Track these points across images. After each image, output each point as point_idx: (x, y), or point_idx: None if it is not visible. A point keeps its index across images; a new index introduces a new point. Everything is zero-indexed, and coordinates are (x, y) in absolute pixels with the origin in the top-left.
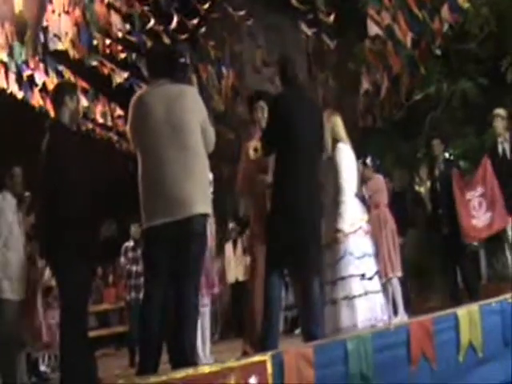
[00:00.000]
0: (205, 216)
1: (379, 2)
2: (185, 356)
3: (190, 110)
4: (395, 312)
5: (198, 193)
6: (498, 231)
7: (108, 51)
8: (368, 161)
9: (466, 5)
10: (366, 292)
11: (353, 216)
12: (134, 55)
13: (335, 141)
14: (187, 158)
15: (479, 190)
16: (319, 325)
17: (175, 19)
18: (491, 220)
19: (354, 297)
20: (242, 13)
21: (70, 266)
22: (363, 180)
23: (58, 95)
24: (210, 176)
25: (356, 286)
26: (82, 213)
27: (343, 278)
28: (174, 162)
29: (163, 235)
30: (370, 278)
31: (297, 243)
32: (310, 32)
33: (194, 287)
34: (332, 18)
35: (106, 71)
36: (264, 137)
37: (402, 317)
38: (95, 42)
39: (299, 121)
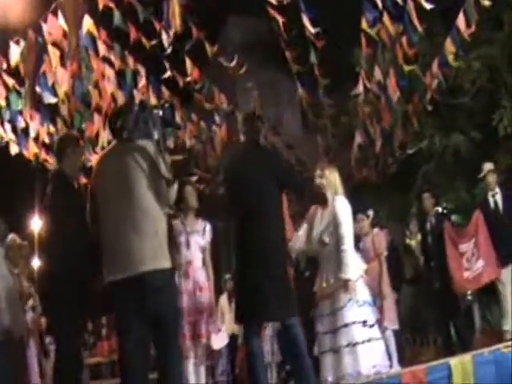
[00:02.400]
0: (162, 271)
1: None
2: None
3: (140, 168)
4: (389, 364)
5: (150, 250)
6: (489, 282)
7: (99, 106)
8: (370, 213)
9: (453, 58)
10: (368, 339)
11: (354, 265)
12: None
13: (333, 194)
14: (136, 218)
15: (472, 241)
16: (308, 366)
17: (168, 72)
18: (482, 271)
19: (357, 343)
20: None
21: (63, 319)
22: (362, 233)
23: (61, 147)
24: (207, 228)
25: (359, 333)
26: (76, 266)
27: (346, 325)
28: (124, 221)
29: (123, 290)
30: (372, 326)
31: (260, 297)
32: (303, 93)
33: (170, 341)
34: (326, 80)
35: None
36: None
37: (396, 369)
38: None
39: (245, 182)
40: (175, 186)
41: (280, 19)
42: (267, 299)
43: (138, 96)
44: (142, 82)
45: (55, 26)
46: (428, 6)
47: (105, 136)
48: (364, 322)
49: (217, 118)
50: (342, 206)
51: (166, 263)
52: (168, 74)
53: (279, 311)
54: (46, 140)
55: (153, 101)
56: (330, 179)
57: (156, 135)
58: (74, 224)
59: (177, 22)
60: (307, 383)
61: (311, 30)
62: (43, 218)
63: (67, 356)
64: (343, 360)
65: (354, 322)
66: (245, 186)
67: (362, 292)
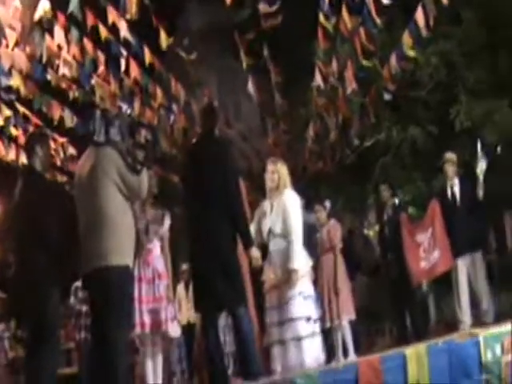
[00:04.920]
0: (117, 267)
1: (328, 53)
2: None
3: (102, 172)
4: (345, 354)
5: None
6: (444, 273)
7: (59, 89)
8: (327, 204)
9: (412, 53)
10: (312, 333)
11: (302, 260)
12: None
13: (281, 186)
14: (96, 223)
15: (429, 231)
16: (254, 356)
17: (123, 64)
18: (438, 261)
19: (302, 338)
20: (193, 57)
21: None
22: (319, 224)
23: (30, 144)
24: (166, 216)
25: (304, 328)
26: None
27: (292, 320)
28: (87, 224)
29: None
30: (315, 321)
31: (212, 285)
32: (255, 89)
33: (113, 330)
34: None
35: (57, 113)
36: None
37: (352, 359)
38: (48, 78)
39: (197, 173)
40: (144, 175)
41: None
42: (216, 290)
43: (96, 82)
44: (101, 68)
45: (11, 7)
46: (386, 1)
47: (69, 121)
48: (308, 318)
49: (174, 108)
50: (291, 199)
51: (120, 260)
52: (124, 62)
53: (227, 300)
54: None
55: (112, 88)
56: (281, 173)
57: (120, 137)
58: (48, 219)
59: (133, 9)
60: (253, 373)
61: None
62: (13, 212)
63: None
64: (289, 352)
65: (300, 317)
66: (197, 176)
67: (308, 287)
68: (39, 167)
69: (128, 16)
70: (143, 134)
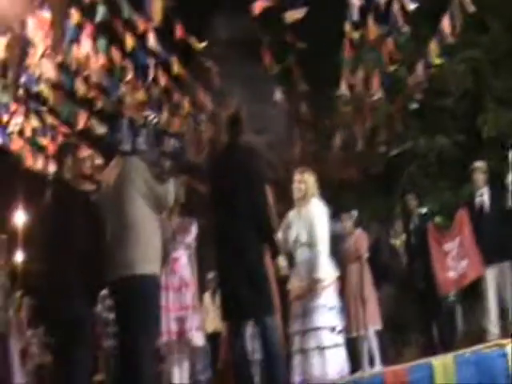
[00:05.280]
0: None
1: (354, 62)
2: None
3: (128, 182)
4: (371, 364)
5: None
6: (472, 282)
7: (87, 99)
8: (353, 213)
9: (439, 61)
10: (335, 344)
11: (328, 269)
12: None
13: (308, 196)
14: (123, 232)
15: (457, 240)
16: (280, 366)
17: (151, 73)
18: (467, 270)
19: (325, 348)
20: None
21: None
22: (345, 233)
23: (60, 154)
24: (193, 225)
25: (328, 338)
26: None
27: (315, 329)
28: (113, 233)
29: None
30: (339, 332)
31: (239, 294)
32: (281, 97)
33: (139, 338)
34: (305, 86)
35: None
36: None
37: (378, 369)
38: (75, 88)
39: (222, 183)
40: (170, 185)
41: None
42: (243, 298)
43: (126, 89)
44: (130, 75)
45: (41, 18)
46: (412, 6)
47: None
48: (332, 328)
49: (202, 117)
50: (317, 208)
51: (149, 268)
52: (152, 69)
53: (254, 309)
54: (29, 134)
55: (140, 96)
56: (308, 183)
57: (147, 147)
58: (75, 228)
59: (157, 16)
60: (277, 383)
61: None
62: (42, 221)
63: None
64: (311, 362)
65: (323, 327)
66: (222, 185)
67: (333, 297)
68: (68, 176)
69: (154, 24)
70: (171, 143)
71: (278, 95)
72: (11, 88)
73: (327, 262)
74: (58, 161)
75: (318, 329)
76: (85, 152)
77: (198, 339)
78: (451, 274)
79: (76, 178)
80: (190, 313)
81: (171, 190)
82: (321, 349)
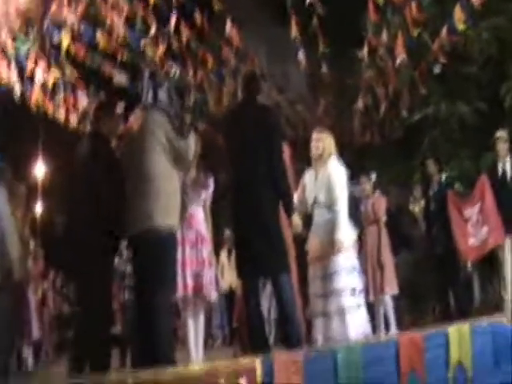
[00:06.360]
0: (158, 228)
1: (378, 25)
2: (159, 353)
3: (149, 134)
4: (387, 328)
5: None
6: (494, 247)
7: (109, 51)
8: (372, 176)
9: (461, 26)
10: (357, 305)
11: (348, 231)
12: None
13: (326, 156)
14: (143, 184)
15: (477, 206)
16: (294, 324)
17: (172, 24)
18: (487, 236)
19: (347, 310)
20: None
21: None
22: (363, 195)
23: (98, 112)
24: (209, 180)
25: (349, 300)
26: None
27: (336, 291)
28: (134, 185)
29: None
30: (360, 293)
31: (254, 251)
32: (304, 58)
33: (157, 291)
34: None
35: (106, 72)
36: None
37: (394, 334)
38: (97, 40)
39: (237, 140)
40: (191, 138)
41: None
42: (258, 255)
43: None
44: (152, 30)
45: None
46: None
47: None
48: (353, 289)
49: (224, 72)
50: (336, 169)
51: (167, 220)
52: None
53: (268, 267)
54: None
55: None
56: (326, 143)
57: (168, 100)
58: (98, 179)
59: None
60: (293, 340)
61: None
62: (76, 173)
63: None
64: (332, 324)
65: (344, 289)
66: (236, 143)
67: (353, 258)
68: (103, 132)
69: None
70: (192, 96)
71: (301, 56)
72: (34, 38)
73: (347, 224)
74: (94, 117)
75: (338, 291)
76: (119, 109)
77: (214, 295)
78: (472, 241)
79: (111, 134)
80: (206, 268)
81: (192, 144)
82: (342, 311)
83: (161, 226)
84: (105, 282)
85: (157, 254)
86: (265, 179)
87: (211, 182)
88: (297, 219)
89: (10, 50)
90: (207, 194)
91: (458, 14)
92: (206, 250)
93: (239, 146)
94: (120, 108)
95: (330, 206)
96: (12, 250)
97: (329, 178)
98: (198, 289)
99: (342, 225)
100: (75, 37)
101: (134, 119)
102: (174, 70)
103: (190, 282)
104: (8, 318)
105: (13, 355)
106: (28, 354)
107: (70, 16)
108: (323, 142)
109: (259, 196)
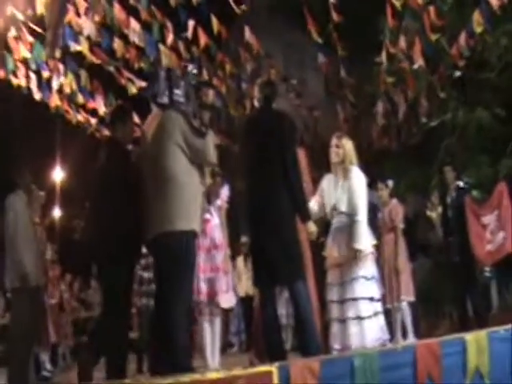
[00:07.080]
0: (178, 232)
1: (396, 29)
2: (176, 360)
3: (166, 135)
4: (404, 336)
5: (174, 212)
6: (509, 255)
7: (125, 58)
8: (389, 183)
9: (479, 29)
10: (374, 313)
11: (367, 240)
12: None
13: (347, 162)
14: (162, 186)
15: (495, 213)
16: (311, 332)
17: (190, 30)
18: (503, 241)
19: (364, 317)
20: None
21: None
22: (380, 203)
23: (112, 118)
24: (225, 186)
25: (365, 308)
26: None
27: (354, 299)
28: (152, 188)
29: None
30: (378, 301)
31: (269, 258)
32: (324, 62)
33: (175, 296)
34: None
35: (122, 79)
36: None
37: (411, 341)
38: (115, 47)
39: (253, 147)
40: (210, 137)
41: None
42: (273, 263)
43: (164, 51)
44: (170, 37)
45: None
46: None
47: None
48: (371, 298)
49: (243, 77)
50: (358, 178)
51: (184, 225)
52: (191, 30)
53: (284, 274)
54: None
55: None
56: (346, 148)
57: (185, 99)
58: (117, 185)
59: None
60: (309, 348)
61: None
62: (95, 179)
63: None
64: (349, 331)
65: (361, 297)
66: (252, 150)
67: (371, 267)
68: (121, 138)
69: None
70: (210, 96)
71: (320, 61)
72: (51, 46)
73: (366, 232)
74: (111, 123)
75: (356, 299)
76: (135, 116)
77: (228, 302)
78: (489, 247)
79: (126, 140)
80: (220, 275)
81: (210, 142)
82: (360, 319)
83: (180, 229)
84: (126, 288)
85: (176, 257)
86: (280, 186)
87: (226, 189)
88: (312, 226)
89: (29, 57)
90: (223, 200)
91: (477, 19)
92: (220, 256)
93: (255, 154)
94: (135, 113)
95: (351, 214)
96: (28, 255)
97: (351, 188)
98: (212, 295)
99: (361, 233)
100: (92, 44)
101: (151, 120)
102: (191, 67)
103: (203, 287)
104: (26, 322)
105: (31, 360)
106: (45, 358)
107: (87, 23)
108: (343, 147)
109: (274, 203)
